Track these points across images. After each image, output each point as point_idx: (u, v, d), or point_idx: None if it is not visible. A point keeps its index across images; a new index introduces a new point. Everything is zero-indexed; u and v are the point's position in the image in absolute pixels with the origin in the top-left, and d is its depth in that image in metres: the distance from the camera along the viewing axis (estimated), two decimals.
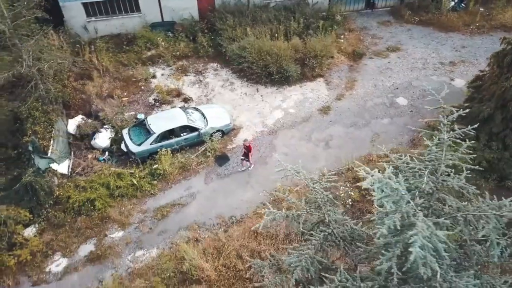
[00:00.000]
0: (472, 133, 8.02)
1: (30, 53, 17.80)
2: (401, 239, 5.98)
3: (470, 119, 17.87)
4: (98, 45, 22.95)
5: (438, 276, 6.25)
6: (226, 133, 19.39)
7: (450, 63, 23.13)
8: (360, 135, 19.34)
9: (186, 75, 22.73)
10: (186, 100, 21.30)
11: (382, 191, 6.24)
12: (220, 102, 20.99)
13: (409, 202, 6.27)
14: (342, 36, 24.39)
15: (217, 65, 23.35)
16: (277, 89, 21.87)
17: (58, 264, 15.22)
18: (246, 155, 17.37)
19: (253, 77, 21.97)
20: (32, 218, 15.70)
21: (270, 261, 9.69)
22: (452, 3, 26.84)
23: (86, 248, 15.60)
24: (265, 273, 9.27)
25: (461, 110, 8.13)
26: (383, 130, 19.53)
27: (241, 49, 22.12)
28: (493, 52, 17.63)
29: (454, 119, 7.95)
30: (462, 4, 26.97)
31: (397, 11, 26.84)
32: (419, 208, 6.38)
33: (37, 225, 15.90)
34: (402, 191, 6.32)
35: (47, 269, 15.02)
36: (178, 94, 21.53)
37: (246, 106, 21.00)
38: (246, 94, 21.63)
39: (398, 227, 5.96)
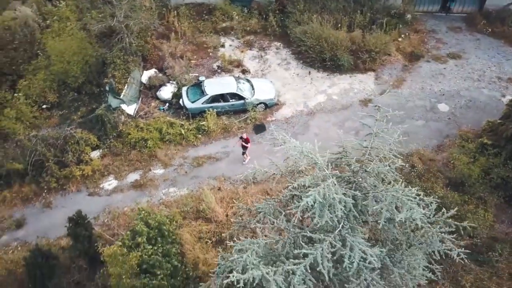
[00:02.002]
0: (399, 131, 9.68)
1: (122, 11, 21.46)
2: (305, 194, 8.09)
3: (498, 136, 18.47)
4: (182, 11, 26.21)
5: (337, 231, 8.32)
6: (269, 106, 21.74)
7: (508, 79, 22.96)
8: (389, 131, 20.54)
9: (250, 49, 25.27)
10: (244, 71, 23.91)
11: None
12: (272, 78, 23.28)
13: (323, 170, 8.31)
14: (403, 36, 25.07)
15: (280, 45, 25.52)
16: (327, 75, 23.59)
17: (110, 183, 19.07)
18: (244, 148, 19.12)
19: (308, 60, 23.87)
20: (98, 144, 19.67)
21: (250, 208, 12.15)
22: None
23: (133, 177, 19.25)
24: (242, 214, 11.78)
25: (397, 111, 9.78)
26: (414, 131, 20.53)
27: (302, 33, 24.00)
28: None
29: (386, 118, 9.63)
30: None
31: (471, 19, 26.59)
32: (335, 177, 8.39)
33: (101, 150, 19.83)
34: (317, 160, 8.39)
35: (101, 186, 18.96)
36: (239, 65, 24.18)
37: (294, 85, 23.08)
38: (298, 75, 23.67)
39: (306, 185, 8.07)
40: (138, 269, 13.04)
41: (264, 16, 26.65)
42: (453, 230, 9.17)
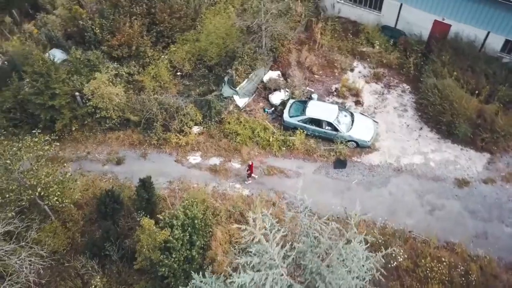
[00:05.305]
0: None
1: (264, 16, 23.21)
2: None
3: None
4: (329, 24, 26.92)
5: None
6: (360, 147, 21.77)
7: None
8: (469, 224, 19.01)
9: (376, 83, 24.98)
10: (357, 102, 23.99)
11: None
12: (380, 120, 22.95)
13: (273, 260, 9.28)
14: None
15: (407, 88, 24.60)
16: (438, 138, 22.23)
17: (195, 159, 22.09)
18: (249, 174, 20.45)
19: (425, 116, 22.75)
20: (200, 122, 22.64)
21: None
22: None
23: (214, 161, 21.89)
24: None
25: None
26: (496, 235, 18.60)
27: (432, 86, 22.72)
28: None
29: None
30: None
31: None
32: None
33: (200, 128, 22.80)
34: (268, 250, 9.35)
35: (187, 157, 22.10)
36: (356, 94, 24.27)
37: (397, 135, 22.42)
38: (407, 125, 22.82)
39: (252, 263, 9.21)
40: (162, 244, 15.67)
41: (406, 54, 25.72)
42: None
